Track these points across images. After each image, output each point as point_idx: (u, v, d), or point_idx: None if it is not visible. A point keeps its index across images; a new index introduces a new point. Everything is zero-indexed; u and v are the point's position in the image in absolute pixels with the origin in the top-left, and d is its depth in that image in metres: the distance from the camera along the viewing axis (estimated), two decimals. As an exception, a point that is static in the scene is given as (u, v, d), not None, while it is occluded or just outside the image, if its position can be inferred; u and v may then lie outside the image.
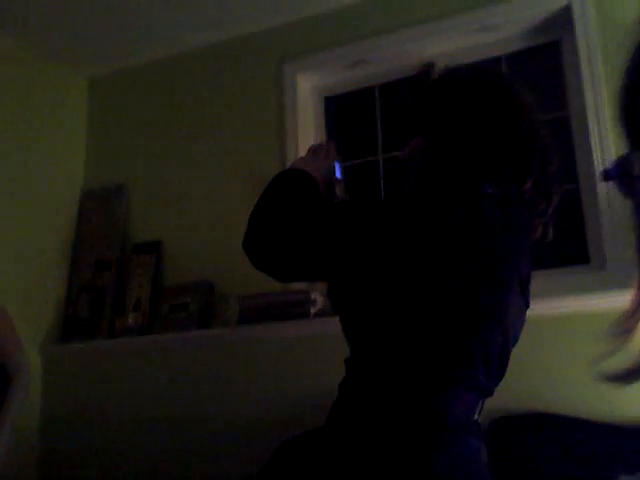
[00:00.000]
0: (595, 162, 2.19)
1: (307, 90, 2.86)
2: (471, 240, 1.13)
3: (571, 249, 2.26)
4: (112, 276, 2.89)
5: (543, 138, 1.25)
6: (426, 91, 1.35)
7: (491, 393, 1.20)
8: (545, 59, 2.49)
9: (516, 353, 1.25)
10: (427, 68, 2.68)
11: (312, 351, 2.40)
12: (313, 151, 1.46)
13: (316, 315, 2.35)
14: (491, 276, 1.14)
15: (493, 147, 1.19)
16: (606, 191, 2.15)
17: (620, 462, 1.71)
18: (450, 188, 1.18)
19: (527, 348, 1.27)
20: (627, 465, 1.69)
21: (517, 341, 1.24)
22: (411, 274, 1.12)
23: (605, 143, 2.19)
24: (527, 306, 1.26)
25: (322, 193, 1.34)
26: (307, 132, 2.80)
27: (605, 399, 1.98)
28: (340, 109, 2.89)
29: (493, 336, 1.15)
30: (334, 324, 2.27)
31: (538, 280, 1.30)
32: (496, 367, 1.18)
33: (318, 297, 2.36)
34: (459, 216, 1.13)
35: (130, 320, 2.74)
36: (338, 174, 1.47)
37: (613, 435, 1.80)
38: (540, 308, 1.30)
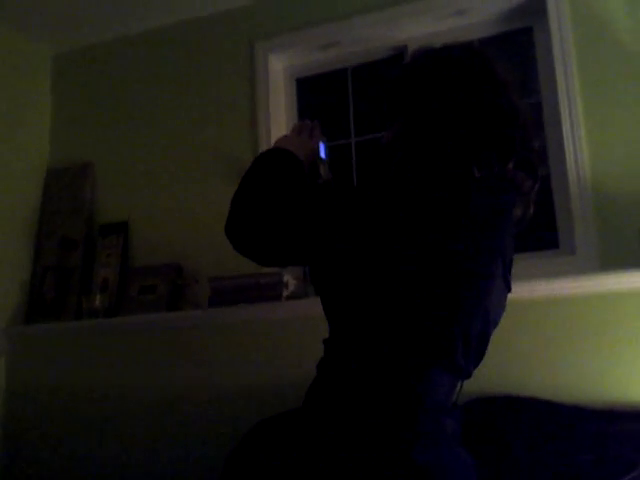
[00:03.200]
0: (566, 148, 2.21)
1: (279, 71, 2.84)
2: (456, 224, 1.12)
3: (541, 234, 2.29)
4: (79, 256, 2.85)
5: (524, 113, 1.24)
6: (403, 72, 1.34)
7: (469, 375, 1.20)
8: (518, 45, 2.50)
9: (487, 336, 1.26)
10: (400, 51, 2.68)
11: (284, 334, 2.39)
12: (297, 130, 1.43)
13: (288, 298, 2.34)
14: (474, 260, 1.14)
15: (474, 127, 1.18)
16: (576, 176, 2.18)
17: (591, 444, 1.74)
18: (436, 172, 1.18)
19: (498, 331, 1.28)
20: (598, 448, 1.72)
21: (497, 324, 1.25)
22: (393, 257, 1.12)
23: (577, 129, 2.21)
24: (509, 290, 1.27)
25: (306, 173, 1.32)
26: (279, 113, 2.78)
27: (573, 381, 2.02)
28: (312, 91, 2.86)
29: (473, 319, 1.15)
30: (306, 306, 2.29)
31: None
32: (475, 350, 1.18)
33: (290, 280, 2.36)
34: (445, 200, 1.12)
35: (97, 301, 2.70)
36: (322, 154, 1.44)
37: (585, 418, 1.83)
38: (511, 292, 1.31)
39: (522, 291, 2.07)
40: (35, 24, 2.95)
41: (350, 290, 1.17)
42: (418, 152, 1.23)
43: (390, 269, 1.12)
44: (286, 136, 1.43)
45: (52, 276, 2.84)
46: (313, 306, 1.37)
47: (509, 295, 1.29)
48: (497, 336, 1.28)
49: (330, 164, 1.50)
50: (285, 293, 2.34)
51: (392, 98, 1.33)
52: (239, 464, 2.10)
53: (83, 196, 2.94)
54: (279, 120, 2.76)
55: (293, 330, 2.36)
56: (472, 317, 1.15)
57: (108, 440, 2.60)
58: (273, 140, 2.48)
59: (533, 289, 2.09)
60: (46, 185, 3.04)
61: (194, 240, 2.70)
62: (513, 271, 1.30)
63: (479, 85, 1.22)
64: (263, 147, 2.60)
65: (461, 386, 1.20)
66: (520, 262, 2.16)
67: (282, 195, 1.16)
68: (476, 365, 1.22)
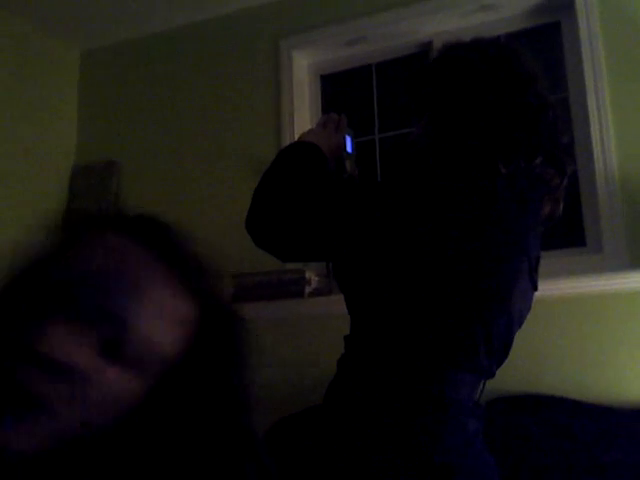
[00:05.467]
0: (594, 144, 2.18)
1: (303, 68, 2.83)
2: (480, 222, 1.10)
3: (568, 231, 2.25)
4: (104, 253, 2.86)
5: (552, 109, 1.21)
6: (430, 69, 1.32)
7: (492, 375, 1.19)
8: (545, 40, 2.47)
9: (512, 335, 1.23)
10: (425, 47, 2.66)
11: (306, 330, 2.39)
12: (323, 123, 1.41)
13: (311, 294, 2.34)
14: (498, 259, 1.13)
15: (502, 124, 1.16)
16: (604, 173, 2.15)
17: (614, 444, 1.71)
18: (462, 168, 1.15)
19: (523, 329, 1.26)
20: (621, 447, 1.69)
21: (522, 324, 1.23)
22: (417, 255, 1.10)
23: (605, 125, 2.17)
24: (535, 289, 1.24)
25: (331, 168, 1.30)
26: (303, 110, 2.77)
27: (600, 381, 1.99)
28: (336, 87, 2.85)
29: (497, 318, 1.14)
30: (329, 303, 2.28)
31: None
32: (498, 349, 1.16)
33: (313, 276, 2.35)
34: (470, 198, 1.11)
35: (122, 298, 2.71)
36: (349, 148, 1.42)
37: (608, 417, 1.80)
38: (538, 290, 1.28)
39: (549, 289, 2.04)
40: (63, 22, 2.97)
41: (372, 286, 1.15)
42: (444, 148, 1.21)
43: (413, 266, 1.11)
44: (311, 129, 1.41)
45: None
46: (336, 303, 1.35)
47: (536, 293, 1.27)
48: (523, 335, 1.26)
49: (356, 158, 1.47)
50: (308, 290, 2.33)
51: (419, 94, 1.31)
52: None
53: (108, 193, 2.96)
54: (303, 117, 2.75)
55: (315, 326, 2.35)
56: (495, 316, 1.14)
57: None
58: (298, 135, 2.48)
59: (560, 287, 2.06)
60: (72, 182, 3.06)
61: (218, 237, 2.70)
62: (540, 269, 1.28)
63: (507, 80, 1.20)
64: (287, 144, 2.59)
65: (484, 385, 1.18)
66: (547, 260, 2.12)
67: (304, 188, 1.14)
68: (499, 365, 1.20)
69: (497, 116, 1.17)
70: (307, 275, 2.33)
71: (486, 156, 1.16)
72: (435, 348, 1.11)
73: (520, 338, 1.25)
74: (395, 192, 1.14)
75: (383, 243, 1.11)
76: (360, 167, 1.48)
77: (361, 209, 1.13)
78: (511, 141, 1.16)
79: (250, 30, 2.87)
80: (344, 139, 1.41)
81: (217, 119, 2.85)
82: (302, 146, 1.29)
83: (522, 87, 1.19)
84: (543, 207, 1.24)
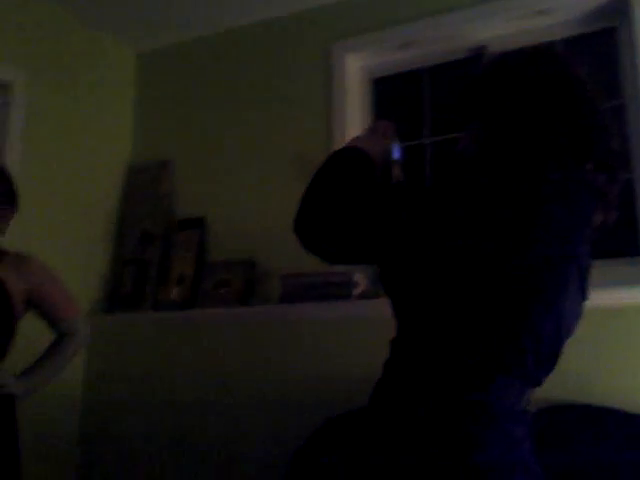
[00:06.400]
0: (649, 151, 2.15)
1: (355, 71, 2.84)
2: (529, 228, 1.10)
3: (622, 240, 2.22)
4: (157, 250, 2.93)
5: (603, 115, 1.21)
6: (481, 76, 1.32)
7: (540, 383, 1.18)
8: (601, 45, 2.43)
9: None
10: (478, 51, 2.64)
11: (353, 333, 2.40)
12: (371, 130, 1.43)
13: (358, 297, 2.35)
14: (546, 266, 1.12)
15: (552, 130, 1.16)
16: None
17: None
18: (510, 175, 1.16)
19: (574, 339, 1.25)
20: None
21: (572, 333, 1.22)
22: (463, 259, 1.11)
23: (661, 132, 2.14)
24: (585, 298, 1.23)
25: (378, 173, 1.32)
26: (354, 113, 2.78)
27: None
28: (388, 91, 2.86)
29: (544, 325, 1.13)
30: (375, 306, 2.28)
31: (588, 271, 1.27)
32: (546, 357, 1.16)
33: (360, 279, 2.36)
34: (517, 205, 1.11)
35: (173, 294, 2.78)
36: (396, 155, 1.44)
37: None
38: (590, 299, 1.27)
39: (602, 299, 2.01)
40: (120, 23, 3.06)
41: (418, 291, 1.16)
42: (493, 155, 1.21)
43: (457, 270, 1.11)
44: (360, 135, 1.43)
45: (131, 269, 2.93)
46: (382, 306, 1.37)
47: (589, 302, 1.26)
48: (574, 344, 1.25)
49: (403, 166, 1.49)
50: (355, 292, 2.34)
51: (468, 101, 1.32)
52: (306, 462, 2.11)
53: (162, 192, 3.03)
54: (354, 120, 2.76)
55: (362, 329, 2.36)
56: (543, 323, 1.13)
57: (179, 426, 2.67)
58: (347, 140, 2.50)
59: (613, 297, 2.03)
60: (127, 181, 3.14)
61: (268, 237, 2.74)
62: (593, 278, 1.27)
63: (556, 87, 1.20)
64: (337, 147, 2.61)
65: (530, 393, 1.18)
66: (600, 269, 2.09)
67: (352, 193, 1.16)
68: (547, 373, 1.19)
69: (547, 123, 1.17)
70: (355, 277, 2.34)
71: (535, 162, 1.16)
72: (481, 353, 1.11)
73: (570, 347, 1.24)
74: (440, 198, 1.15)
75: (427, 248, 1.12)
76: (406, 174, 1.50)
77: (406, 215, 1.14)
78: (561, 147, 1.16)
79: (303, 33, 2.90)
80: (391, 146, 1.43)
81: (269, 120, 2.89)
82: (350, 151, 1.31)
83: (572, 95, 1.19)
84: (595, 214, 1.24)
